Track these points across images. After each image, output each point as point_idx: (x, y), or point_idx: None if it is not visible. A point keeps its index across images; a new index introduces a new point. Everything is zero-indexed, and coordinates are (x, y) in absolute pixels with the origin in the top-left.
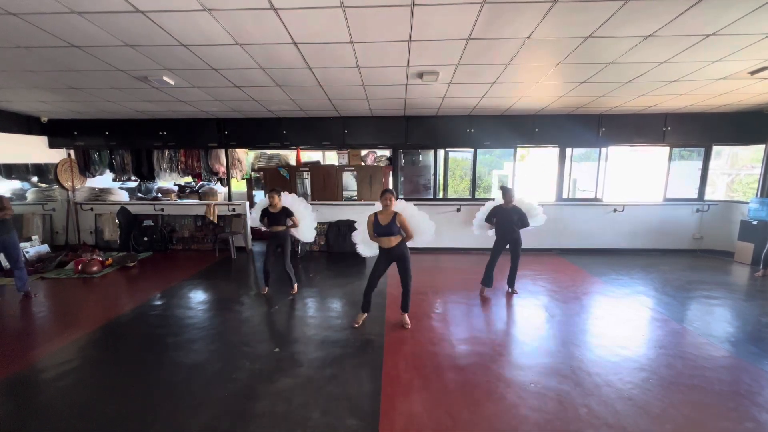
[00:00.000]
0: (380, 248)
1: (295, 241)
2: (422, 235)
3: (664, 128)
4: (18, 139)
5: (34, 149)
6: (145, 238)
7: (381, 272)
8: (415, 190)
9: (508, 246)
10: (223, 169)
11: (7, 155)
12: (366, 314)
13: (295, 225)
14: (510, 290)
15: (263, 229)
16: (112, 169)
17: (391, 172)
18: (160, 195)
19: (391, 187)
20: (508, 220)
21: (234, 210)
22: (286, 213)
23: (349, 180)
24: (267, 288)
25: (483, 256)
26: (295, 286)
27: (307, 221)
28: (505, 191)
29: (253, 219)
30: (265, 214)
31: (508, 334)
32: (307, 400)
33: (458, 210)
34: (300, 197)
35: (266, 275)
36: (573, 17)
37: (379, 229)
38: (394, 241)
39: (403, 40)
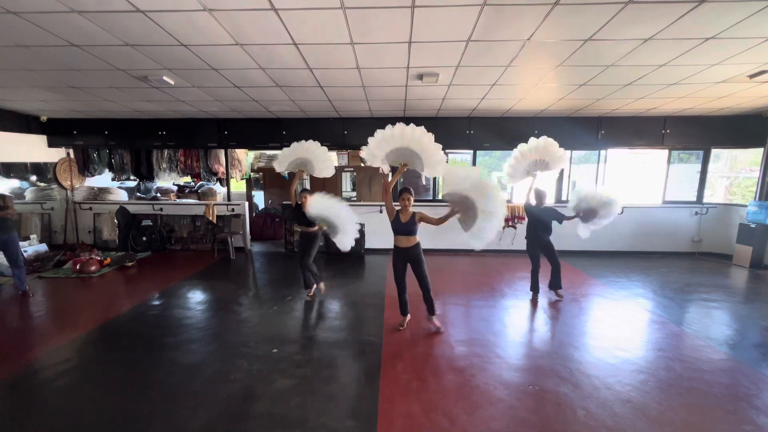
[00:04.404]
0: (396, 247)
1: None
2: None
3: (663, 131)
4: (17, 137)
5: (33, 148)
6: (144, 238)
7: (403, 272)
8: (414, 191)
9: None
10: (222, 169)
11: (6, 154)
12: (407, 317)
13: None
14: (556, 295)
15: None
16: (111, 169)
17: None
18: (159, 195)
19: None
20: (540, 221)
21: (233, 210)
22: None
23: (346, 181)
24: (313, 289)
25: (482, 258)
26: (322, 284)
27: (348, 228)
28: (538, 192)
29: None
30: (298, 213)
31: (506, 336)
32: (305, 401)
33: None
34: (341, 200)
35: (307, 277)
36: (573, 19)
37: (399, 226)
38: (412, 241)
39: (404, 41)
